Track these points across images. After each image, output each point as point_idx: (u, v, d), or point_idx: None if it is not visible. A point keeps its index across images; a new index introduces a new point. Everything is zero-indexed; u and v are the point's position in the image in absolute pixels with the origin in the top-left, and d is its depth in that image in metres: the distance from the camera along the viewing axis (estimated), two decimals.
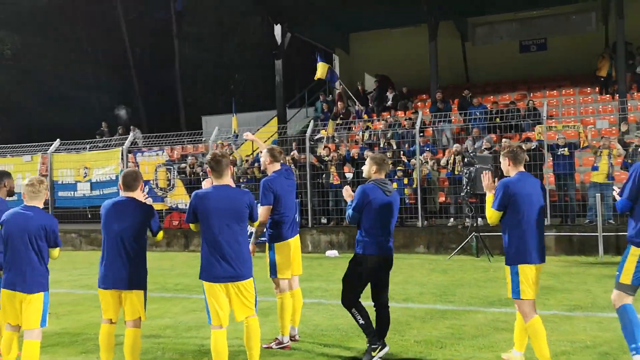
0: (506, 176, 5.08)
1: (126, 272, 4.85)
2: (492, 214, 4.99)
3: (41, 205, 5.05)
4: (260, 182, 6.00)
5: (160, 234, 5.26)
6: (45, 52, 35.68)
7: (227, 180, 4.82)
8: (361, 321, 5.23)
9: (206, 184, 4.99)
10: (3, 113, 34.27)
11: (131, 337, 4.93)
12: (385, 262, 5.29)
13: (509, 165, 5.10)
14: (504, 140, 13.36)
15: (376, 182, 5.26)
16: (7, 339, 4.98)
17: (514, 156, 5.06)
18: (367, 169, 5.37)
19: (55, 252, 5.07)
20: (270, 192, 5.88)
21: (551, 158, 12.78)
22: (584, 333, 6.17)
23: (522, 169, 5.05)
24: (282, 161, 6.19)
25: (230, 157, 16.00)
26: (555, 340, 5.90)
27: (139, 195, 5.09)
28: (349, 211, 5.32)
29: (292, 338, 6.07)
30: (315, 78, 19.25)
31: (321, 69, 18.72)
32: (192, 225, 4.86)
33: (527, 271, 4.82)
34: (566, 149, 12.26)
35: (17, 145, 17.96)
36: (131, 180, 5.06)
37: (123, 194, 5.07)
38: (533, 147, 12.56)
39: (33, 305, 4.85)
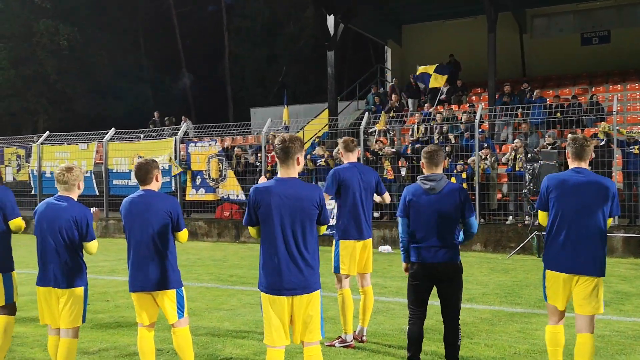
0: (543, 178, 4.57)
1: (154, 272, 4.47)
2: (539, 215, 4.60)
3: (75, 196, 4.70)
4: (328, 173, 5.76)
5: (185, 234, 4.69)
6: (101, 44, 36.45)
7: (294, 172, 4.02)
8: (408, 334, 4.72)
9: (262, 180, 4.38)
10: (52, 103, 35.17)
11: (179, 337, 4.61)
12: (437, 271, 4.55)
13: (567, 157, 4.53)
14: (569, 135, 12.72)
15: (421, 180, 4.64)
16: (53, 345, 4.71)
17: (574, 150, 4.42)
18: (422, 164, 4.77)
19: (90, 246, 4.66)
20: (335, 182, 5.60)
21: (619, 155, 12.13)
22: None
23: (582, 165, 4.40)
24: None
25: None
26: None
27: (157, 186, 4.64)
28: (398, 218, 4.78)
29: (360, 339, 5.80)
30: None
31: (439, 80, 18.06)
32: (251, 230, 4.04)
33: (553, 278, 4.38)
34: (636, 147, 11.59)
35: (73, 133, 18.31)
36: (144, 173, 4.56)
37: (141, 188, 4.62)
38: (602, 144, 11.92)
39: (72, 302, 4.57)
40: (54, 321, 4.65)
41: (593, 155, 4.63)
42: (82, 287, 4.66)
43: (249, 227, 4.03)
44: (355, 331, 5.85)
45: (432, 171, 4.66)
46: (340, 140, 5.89)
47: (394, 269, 10.25)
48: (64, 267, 4.57)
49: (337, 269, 5.73)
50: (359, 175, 5.67)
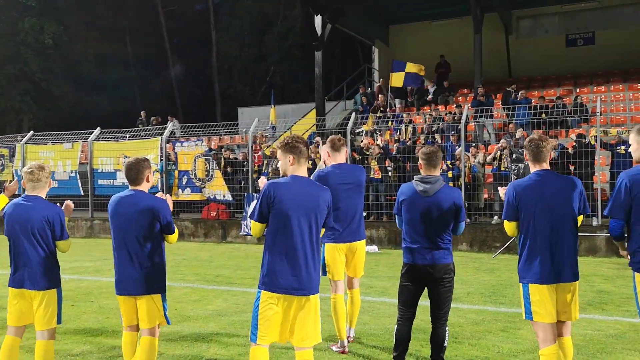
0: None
1: (139, 275, 4.31)
2: (505, 226, 4.28)
3: (44, 195, 4.59)
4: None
5: (175, 236, 4.54)
6: (86, 42, 36.19)
7: (305, 172, 4.01)
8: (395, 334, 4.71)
9: (262, 182, 4.21)
10: (37, 102, 34.88)
11: (146, 346, 4.36)
12: (428, 273, 4.48)
13: (527, 160, 4.30)
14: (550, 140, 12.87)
15: (416, 181, 4.55)
16: (8, 345, 4.54)
17: (531, 151, 4.21)
18: (420, 164, 4.69)
19: (63, 244, 4.54)
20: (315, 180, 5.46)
21: (604, 156, 12.27)
22: None
23: (544, 166, 4.19)
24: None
25: (270, 149, 15.97)
26: (622, 349, 5.56)
27: (147, 187, 4.49)
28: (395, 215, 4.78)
29: (347, 338, 5.68)
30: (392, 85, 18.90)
31: (395, 79, 18.27)
32: (257, 226, 3.90)
33: (539, 292, 4.07)
34: (623, 147, 11.71)
35: (58, 132, 18.17)
36: (135, 173, 4.42)
37: (130, 188, 4.48)
38: (586, 143, 12.05)
39: (45, 303, 4.45)
40: (20, 322, 4.53)
41: (553, 155, 4.47)
42: (56, 289, 4.54)
43: (255, 223, 3.90)
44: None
45: (429, 172, 4.58)
46: (328, 140, 5.65)
47: (380, 268, 10.29)
48: (37, 268, 4.44)
49: (324, 272, 5.62)
50: (343, 177, 5.48)
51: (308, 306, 3.87)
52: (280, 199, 3.82)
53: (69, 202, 4.83)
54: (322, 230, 4.11)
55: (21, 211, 4.49)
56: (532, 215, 4.11)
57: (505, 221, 4.28)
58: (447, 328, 4.65)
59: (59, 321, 4.56)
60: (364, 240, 5.71)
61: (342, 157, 5.61)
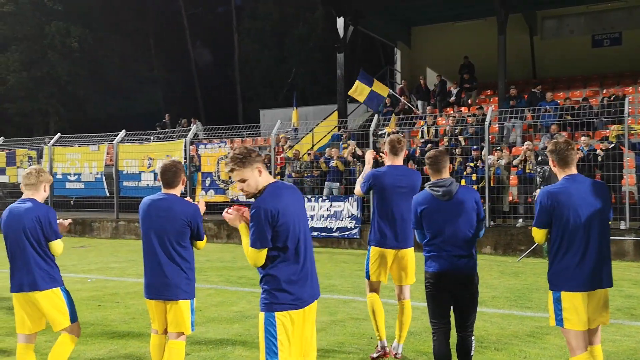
0: (554, 180, 4.17)
1: (169, 280, 4.25)
2: (535, 233, 4.08)
3: (40, 198, 4.56)
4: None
5: (204, 242, 4.51)
6: (111, 46, 36.71)
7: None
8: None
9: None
10: (64, 104, 35.46)
11: (174, 350, 4.33)
12: (454, 281, 4.31)
13: (554, 166, 4.10)
14: (582, 138, 12.67)
15: (430, 187, 4.37)
16: (22, 354, 4.50)
17: (559, 156, 4.02)
18: (426, 169, 4.49)
19: (55, 245, 4.49)
20: (369, 181, 5.29)
21: (630, 158, 12.05)
22: None
23: (572, 171, 4.02)
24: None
25: (293, 151, 15.99)
26: None
27: (180, 190, 4.44)
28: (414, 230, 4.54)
29: (395, 355, 5.43)
30: (350, 93, 17.24)
31: (360, 89, 16.72)
32: (261, 256, 3.39)
33: (572, 299, 3.90)
34: None
35: (84, 134, 18.44)
36: (171, 176, 4.35)
37: (163, 190, 4.40)
38: (612, 146, 11.84)
39: (52, 303, 4.42)
40: (31, 328, 4.50)
41: (581, 154, 4.35)
42: (58, 288, 4.50)
43: (256, 252, 3.38)
44: (391, 345, 5.56)
45: (438, 176, 4.41)
46: (386, 140, 5.39)
47: None
48: (35, 270, 4.42)
49: (367, 275, 5.46)
50: (399, 180, 5.28)
51: (313, 312, 3.60)
52: (282, 213, 3.41)
53: (62, 221, 4.78)
54: None
55: (15, 214, 4.49)
56: (566, 221, 3.93)
57: (534, 228, 4.07)
58: (473, 337, 4.50)
59: (73, 319, 4.53)
60: (412, 248, 5.42)
61: (399, 160, 5.39)
